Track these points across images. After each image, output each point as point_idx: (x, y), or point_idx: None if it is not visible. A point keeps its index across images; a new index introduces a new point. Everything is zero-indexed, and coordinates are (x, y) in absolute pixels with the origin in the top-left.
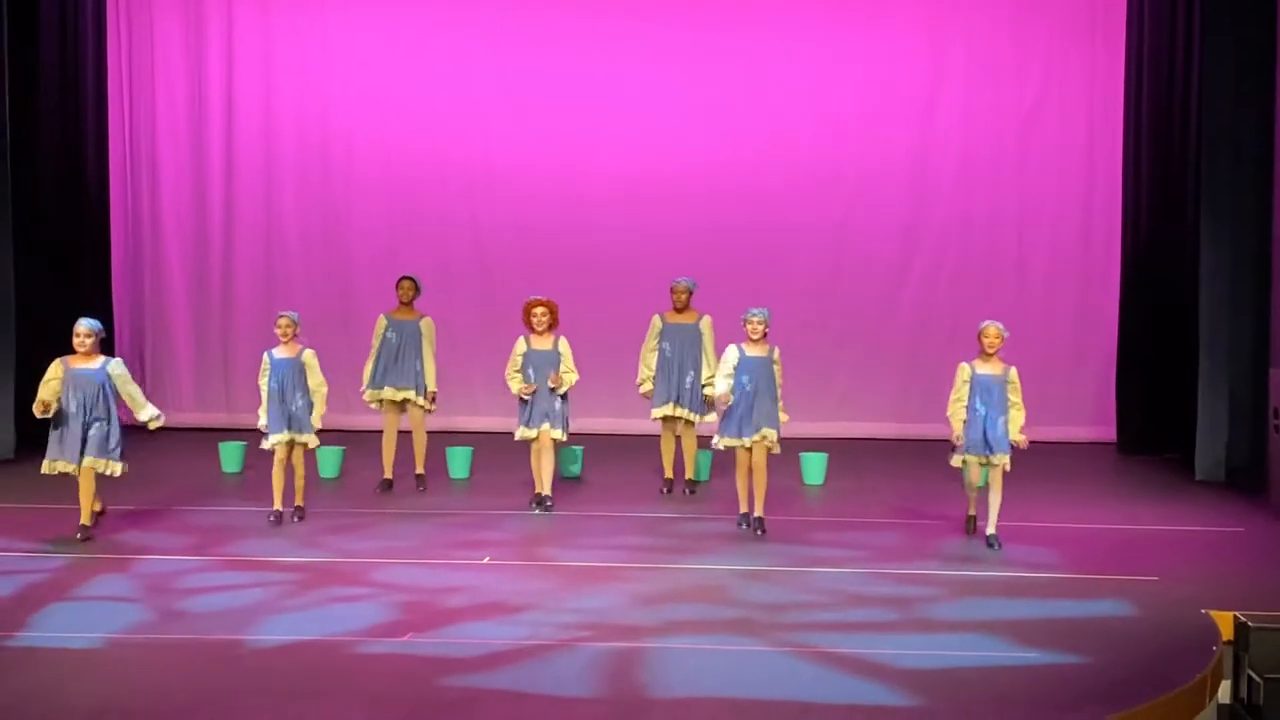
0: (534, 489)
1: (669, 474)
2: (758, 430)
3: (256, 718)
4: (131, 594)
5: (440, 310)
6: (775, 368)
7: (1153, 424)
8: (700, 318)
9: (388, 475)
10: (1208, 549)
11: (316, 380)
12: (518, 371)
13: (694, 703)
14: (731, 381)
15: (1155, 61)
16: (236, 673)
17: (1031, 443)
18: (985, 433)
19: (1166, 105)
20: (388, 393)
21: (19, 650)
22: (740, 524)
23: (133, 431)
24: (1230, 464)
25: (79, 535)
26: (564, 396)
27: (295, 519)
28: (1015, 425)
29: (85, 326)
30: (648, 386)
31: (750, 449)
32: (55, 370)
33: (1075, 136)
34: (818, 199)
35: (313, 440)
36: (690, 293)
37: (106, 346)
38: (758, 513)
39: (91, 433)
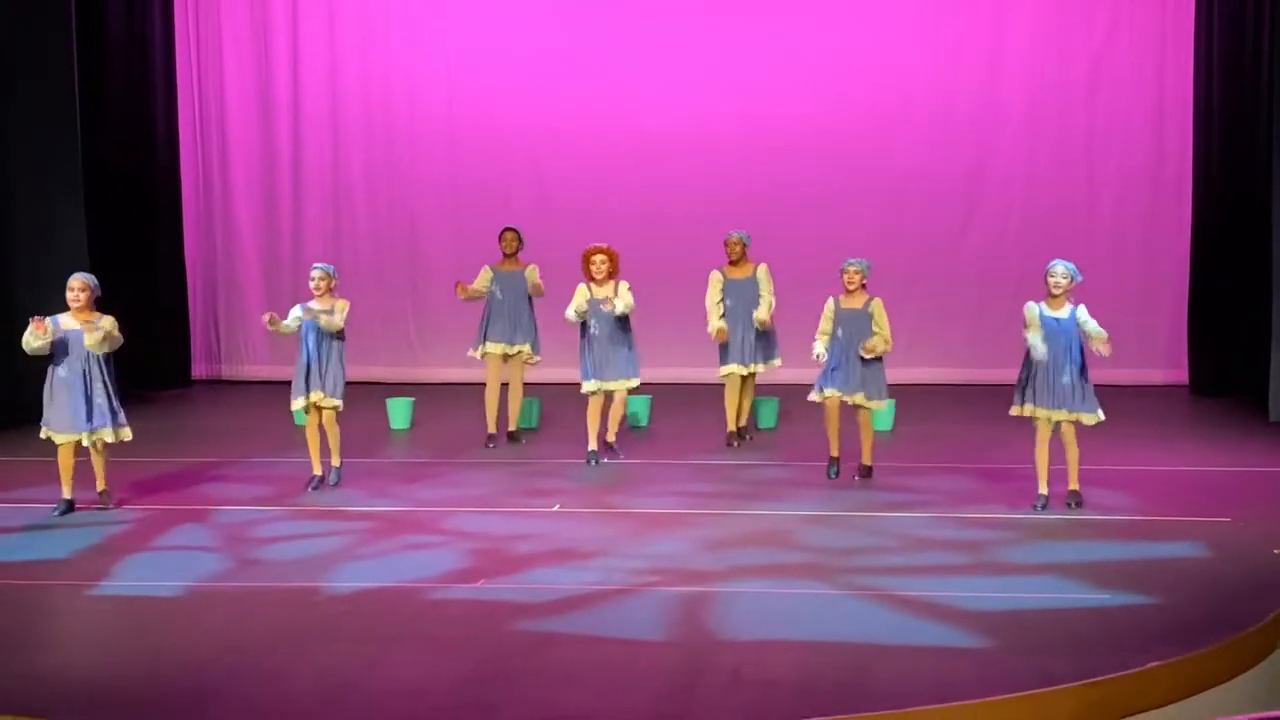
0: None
1: (732, 426)
2: (855, 391)
3: (334, 662)
4: (210, 543)
5: None
6: (873, 319)
7: (1226, 366)
8: (757, 267)
9: (491, 430)
10: None
11: (342, 319)
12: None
13: (763, 645)
14: (827, 339)
15: None
16: (314, 618)
17: (1099, 386)
18: (1053, 383)
19: (1239, 42)
20: (491, 348)
21: (103, 599)
22: (831, 471)
23: (208, 386)
24: None
25: (57, 510)
26: (627, 330)
27: (333, 481)
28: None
29: (79, 280)
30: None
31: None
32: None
33: (1145, 75)
34: (883, 143)
35: (333, 404)
36: (744, 245)
37: (178, 304)
38: (865, 461)
39: (95, 400)
